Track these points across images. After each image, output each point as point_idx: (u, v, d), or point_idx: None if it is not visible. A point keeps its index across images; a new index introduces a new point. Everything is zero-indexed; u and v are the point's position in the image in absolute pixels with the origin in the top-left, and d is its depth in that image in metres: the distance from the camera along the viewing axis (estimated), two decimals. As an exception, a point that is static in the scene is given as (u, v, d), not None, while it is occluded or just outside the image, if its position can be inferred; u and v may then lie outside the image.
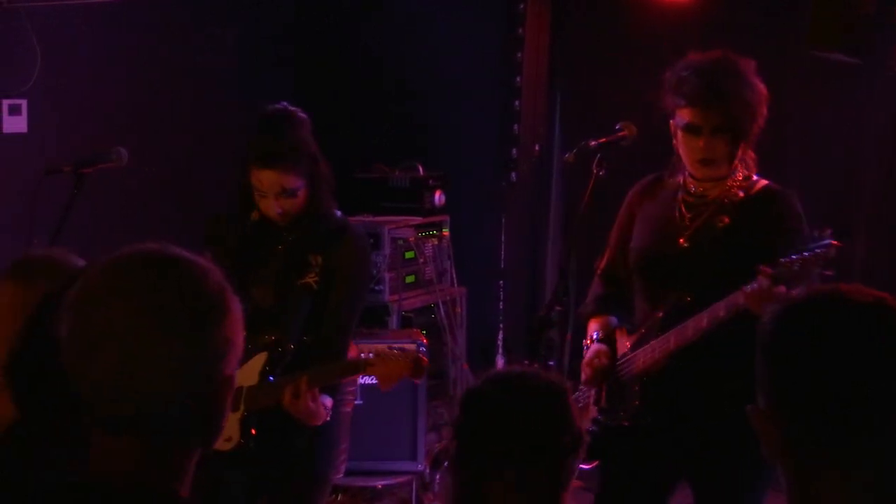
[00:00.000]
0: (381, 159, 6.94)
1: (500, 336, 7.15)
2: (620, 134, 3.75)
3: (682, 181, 3.88)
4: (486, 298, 7.10)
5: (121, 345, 1.74)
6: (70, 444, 2.15)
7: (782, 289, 3.48)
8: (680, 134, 3.78)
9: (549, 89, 7.07)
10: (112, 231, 6.18)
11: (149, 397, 1.75)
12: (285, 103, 4.08)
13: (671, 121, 3.82)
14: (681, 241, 3.81)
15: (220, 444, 3.79)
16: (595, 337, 3.96)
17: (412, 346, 3.90)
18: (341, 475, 4.33)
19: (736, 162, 3.79)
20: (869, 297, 1.72)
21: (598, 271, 4.10)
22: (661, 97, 3.83)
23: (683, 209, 3.84)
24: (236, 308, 1.83)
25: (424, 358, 3.78)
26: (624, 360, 3.87)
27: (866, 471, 1.68)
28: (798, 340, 1.72)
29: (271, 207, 3.97)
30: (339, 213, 4.14)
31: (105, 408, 1.77)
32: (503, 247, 7.17)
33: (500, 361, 7.07)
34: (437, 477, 5.92)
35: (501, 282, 7.19)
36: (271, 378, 3.92)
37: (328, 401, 3.91)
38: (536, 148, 7.07)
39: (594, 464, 3.94)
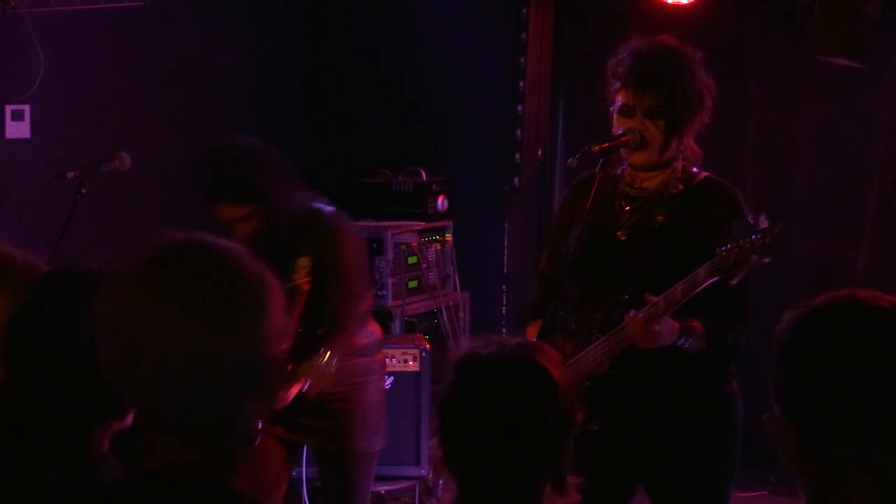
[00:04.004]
0: (385, 164, 6.94)
1: (503, 341, 7.13)
2: (623, 138, 3.70)
3: (620, 173, 3.80)
4: (490, 303, 7.09)
5: (170, 348, 1.72)
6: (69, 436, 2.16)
7: (656, 328, 3.46)
8: (616, 118, 3.72)
9: (553, 94, 7.07)
10: (115, 235, 6.17)
11: (200, 395, 1.74)
12: (233, 137, 4.37)
13: (611, 109, 3.76)
14: (619, 234, 3.74)
15: None
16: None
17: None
18: (382, 445, 4.63)
19: (671, 152, 3.71)
20: (886, 302, 1.71)
21: (537, 273, 4.02)
22: (605, 87, 3.78)
23: (623, 202, 3.77)
24: (276, 288, 1.82)
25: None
26: (567, 365, 3.77)
27: (886, 479, 1.67)
28: (816, 347, 1.70)
29: (236, 234, 4.20)
30: (307, 203, 4.36)
31: (158, 410, 1.75)
32: (506, 251, 7.16)
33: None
34: (441, 482, 5.91)
35: (504, 286, 7.18)
36: None
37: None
38: (539, 153, 7.06)
39: None
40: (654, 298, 3.49)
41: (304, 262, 4.26)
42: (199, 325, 1.74)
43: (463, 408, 2.38)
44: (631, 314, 3.52)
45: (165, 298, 1.75)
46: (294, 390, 4.21)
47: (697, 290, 3.45)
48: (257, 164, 4.26)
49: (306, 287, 4.26)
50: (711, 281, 3.43)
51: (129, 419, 2.24)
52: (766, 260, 3.38)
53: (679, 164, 3.75)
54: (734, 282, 3.42)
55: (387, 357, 5.80)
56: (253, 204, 4.21)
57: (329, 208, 4.39)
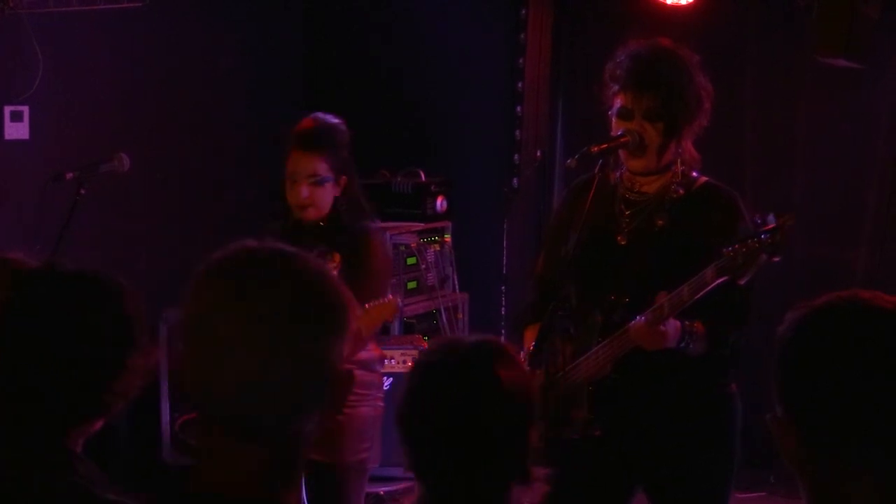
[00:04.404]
0: (384, 165, 6.94)
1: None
2: (623, 139, 3.69)
3: (620, 177, 3.79)
4: (489, 304, 7.09)
5: (253, 356, 1.71)
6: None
7: (661, 328, 3.45)
8: (614, 121, 3.71)
9: (552, 94, 7.07)
10: (114, 236, 6.18)
11: (274, 404, 1.73)
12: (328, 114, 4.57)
13: (609, 112, 3.75)
14: (619, 238, 3.72)
15: None
16: (534, 346, 3.77)
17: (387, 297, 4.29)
18: (375, 465, 4.65)
19: (669, 155, 3.71)
20: (888, 303, 1.71)
21: (534, 276, 4.01)
22: (603, 90, 3.78)
23: (622, 206, 3.75)
24: (353, 304, 1.83)
25: (396, 300, 4.31)
26: (567, 368, 3.73)
27: (886, 479, 1.66)
28: (818, 347, 1.70)
29: (299, 193, 4.34)
30: (367, 223, 4.49)
31: (236, 416, 1.74)
32: (505, 252, 7.16)
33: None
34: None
35: (503, 287, 7.18)
36: None
37: None
38: (538, 153, 7.06)
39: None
40: (661, 299, 3.49)
41: (336, 257, 4.34)
42: (284, 336, 1.73)
43: (416, 413, 2.38)
44: (634, 321, 3.51)
45: (254, 308, 1.74)
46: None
47: (705, 292, 3.44)
48: (351, 147, 4.48)
49: None
50: (719, 282, 3.42)
51: (100, 423, 2.25)
52: (776, 258, 3.37)
53: (678, 169, 3.74)
54: (742, 282, 3.40)
55: (386, 358, 5.81)
56: (335, 170, 4.37)
57: (365, 221, 4.51)
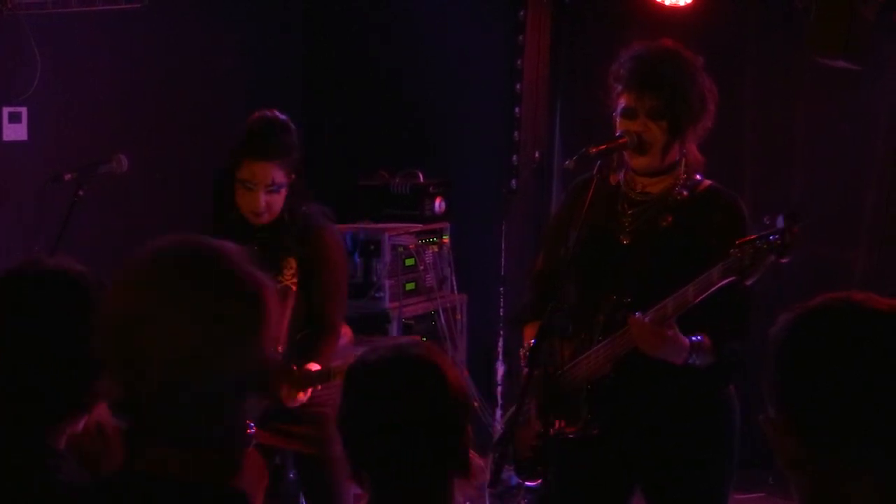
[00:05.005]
0: (383, 166, 6.94)
1: (501, 343, 7.14)
2: (621, 141, 3.69)
3: (623, 178, 3.80)
4: (487, 305, 7.09)
5: (173, 353, 1.73)
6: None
7: (669, 333, 3.46)
8: (618, 121, 3.72)
9: (550, 95, 7.07)
10: (113, 236, 6.18)
11: (207, 399, 1.75)
12: (275, 111, 4.43)
13: (613, 113, 3.76)
14: (621, 238, 3.73)
15: None
16: (533, 343, 3.74)
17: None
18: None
19: (673, 155, 3.72)
20: (884, 305, 1.71)
21: (532, 275, 4.02)
22: (608, 92, 3.79)
23: (625, 206, 3.76)
24: (272, 292, 1.84)
25: None
26: (566, 367, 3.74)
27: (886, 479, 1.66)
28: (815, 348, 1.70)
29: (256, 201, 4.27)
30: (310, 211, 4.40)
31: (154, 413, 1.75)
32: (503, 254, 7.15)
33: (500, 368, 7.06)
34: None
35: (502, 288, 7.18)
36: None
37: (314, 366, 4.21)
38: (537, 155, 7.06)
39: (538, 481, 3.78)
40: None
41: (291, 262, 4.29)
42: (202, 331, 1.74)
43: (357, 416, 2.40)
44: (635, 316, 3.51)
45: (170, 304, 1.76)
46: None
47: (710, 292, 3.44)
48: (300, 145, 4.42)
49: (294, 288, 4.28)
50: (725, 282, 3.42)
51: (82, 424, 2.26)
52: (784, 260, 3.37)
53: (682, 171, 3.75)
54: (749, 282, 3.41)
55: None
56: (289, 174, 4.30)
57: (311, 208, 4.43)
